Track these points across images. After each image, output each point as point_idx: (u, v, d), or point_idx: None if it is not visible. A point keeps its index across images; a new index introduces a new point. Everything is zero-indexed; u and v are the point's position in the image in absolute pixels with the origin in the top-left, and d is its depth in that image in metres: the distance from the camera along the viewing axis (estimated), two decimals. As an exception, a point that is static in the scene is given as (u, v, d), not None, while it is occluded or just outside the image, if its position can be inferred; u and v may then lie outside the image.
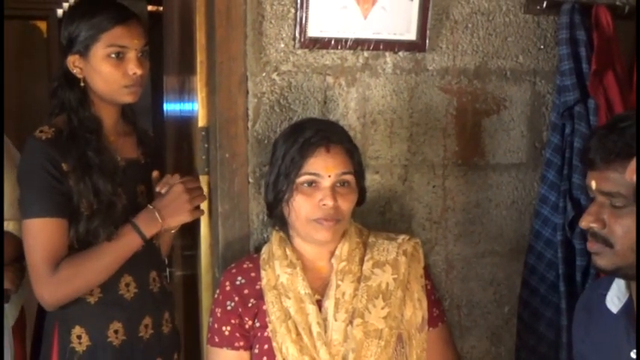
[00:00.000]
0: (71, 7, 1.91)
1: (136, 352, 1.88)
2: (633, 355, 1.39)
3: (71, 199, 1.78)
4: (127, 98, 1.87)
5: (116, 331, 1.85)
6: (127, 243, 1.80)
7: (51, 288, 1.76)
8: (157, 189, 1.88)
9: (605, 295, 1.50)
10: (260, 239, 1.87)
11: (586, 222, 1.41)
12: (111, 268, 1.80)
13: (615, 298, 1.48)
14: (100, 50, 1.81)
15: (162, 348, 1.96)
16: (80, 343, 1.82)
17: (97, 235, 1.80)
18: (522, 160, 2.11)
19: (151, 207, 1.83)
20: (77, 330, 1.82)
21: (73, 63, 1.84)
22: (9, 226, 2.13)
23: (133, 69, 1.82)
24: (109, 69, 1.81)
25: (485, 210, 2.09)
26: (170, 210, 1.82)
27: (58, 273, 1.75)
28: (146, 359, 1.91)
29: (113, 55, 1.81)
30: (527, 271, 2.09)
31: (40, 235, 1.76)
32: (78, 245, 1.80)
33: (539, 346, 2.07)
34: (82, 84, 1.86)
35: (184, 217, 1.85)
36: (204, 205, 1.92)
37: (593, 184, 1.40)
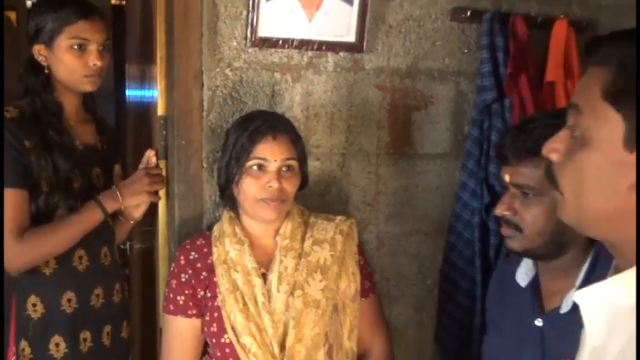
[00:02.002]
0: (38, 1, 1.90)
1: (87, 319, 1.87)
2: (537, 323, 1.43)
3: (32, 174, 1.76)
4: (87, 87, 1.86)
5: (69, 300, 1.84)
6: (90, 216, 1.80)
7: (17, 252, 1.74)
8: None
9: (515, 271, 1.53)
10: (212, 218, 1.87)
11: (500, 210, 1.44)
12: (73, 238, 1.80)
13: (524, 274, 1.51)
14: (63, 41, 1.81)
15: (112, 316, 1.95)
16: (35, 311, 1.81)
17: (55, 209, 1.80)
18: (446, 151, 2.14)
19: (113, 187, 1.84)
20: (32, 299, 1.81)
21: (39, 52, 1.83)
22: None
23: (94, 60, 1.82)
24: (71, 59, 1.81)
25: (412, 194, 2.11)
26: (130, 190, 1.83)
27: (24, 240, 1.73)
28: (97, 326, 1.90)
29: (75, 47, 1.81)
30: (448, 248, 2.12)
31: (6, 203, 1.74)
32: (37, 219, 1.78)
33: (457, 313, 2.10)
34: (46, 71, 1.84)
35: (142, 198, 1.86)
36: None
37: (507, 177, 1.43)
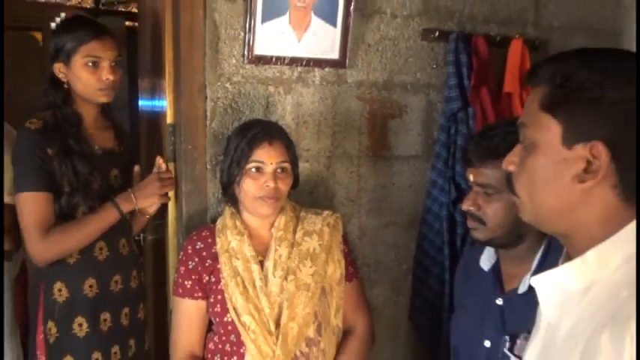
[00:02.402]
0: (58, 23, 1.89)
1: (107, 302, 1.86)
2: (498, 302, 1.45)
3: (55, 178, 1.75)
4: (102, 99, 1.85)
5: (91, 286, 1.83)
6: (107, 216, 1.79)
7: (41, 248, 1.74)
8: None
9: (479, 258, 1.54)
10: (215, 213, 1.86)
11: (466, 206, 1.45)
12: (92, 235, 1.79)
13: (487, 260, 1.52)
14: (79, 60, 1.79)
15: (129, 299, 1.93)
16: (60, 295, 1.81)
17: (76, 208, 1.79)
18: (418, 153, 2.14)
19: (129, 190, 1.83)
20: (58, 285, 1.80)
21: (59, 69, 1.82)
22: (8, 198, 2.09)
23: (106, 75, 1.80)
24: (86, 75, 1.80)
25: (389, 191, 2.12)
26: (143, 193, 1.83)
27: (48, 237, 1.73)
28: (116, 308, 1.89)
29: (90, 64, 1.79)
30: (420, 238, 2.13)
31: (31, 205, 1.74)
32: (61, 217, 1.78)
33: (429, 295, 2.12)
34: (65, 86, 1.83)
35: (154, 200, 1.85)
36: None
37: (471, 178, 1.44)
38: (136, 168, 1.92)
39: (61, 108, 1.83)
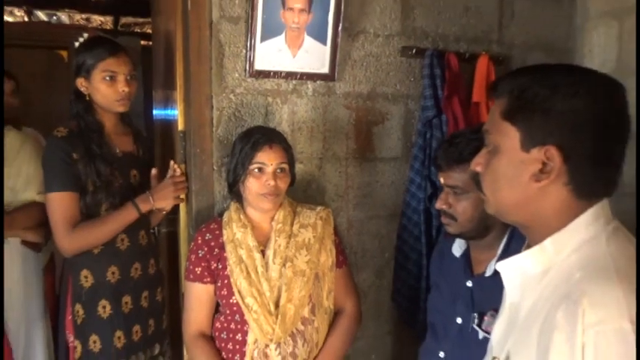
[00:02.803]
0: (79, 43, 1.89)
1: (128, 287, 1.87)
2: (468, 284, 1.46)
3: (80, 179, 1.76)
4: (120, 108, 1.86)
5: (113, 273, 1.84)
6: (127, 214, 1.80)
7: (68, 241, 1.75)
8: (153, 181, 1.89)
9: (451, 246, 1.56)
10: (221, 208, 1.86)
11: (439, 205, 1.46)
12: (114, 231, 1.80)
13: (458, 247, 1.54)
14: (98, 74, 1.80)
15: (148, 284, 1.94)
16: (87, 282, 1.82)
17: (100, 205, 1.80)
18: (398, 155, 2.16)
19: (147, 192, 1.83)
20: (84, 272, 1.81)
21: (80, 83, 1.82)
22: (38, 197, 2.11)
23: (122, 87, 1.81)
24: (104, 88, 1.80)
25: (373, 188, 2.13)
26: (159, 195, 1.83)
27: (75, 232, 1.74)
28: (136, 292, 1.90)
29: (107, 78, 1.80)
30: (401, 229, 2.13)
31: (59, 203, 1.74)
32: (87, 213, 1.78)
33: (408, 278, 2.12)
34: (87, 98, 1.83)
35: (169, 202, 1.86)
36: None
37: (442, 180, 1.46)
38: (153, 171, 1.92)
39: (84, 117, 1.83)
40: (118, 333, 1.85)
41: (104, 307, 1.84)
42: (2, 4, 1.99)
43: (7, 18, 4.72)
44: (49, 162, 1.79)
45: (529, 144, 0.86)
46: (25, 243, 2.19)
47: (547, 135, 0.85)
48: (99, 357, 1.83)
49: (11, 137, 2.21)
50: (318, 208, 1.74)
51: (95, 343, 1.83)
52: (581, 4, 2.41)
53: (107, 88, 1.81)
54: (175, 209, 1.97)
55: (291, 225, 1.67)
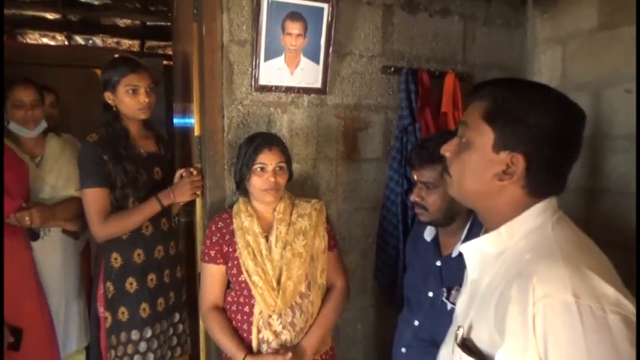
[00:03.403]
0: (106, 63, 1.88)
1: (152, 266, 1.87)
2: (437, 263, 1.46)
3: (110, 177, 1.76)
4: (142, 116, 1.85)
5: (139, 255, 1.84)
6: (151, 207, 1.79)
7: (101, 229, 1.75)
8: (177, 176, 1.88)
9: (423, 231, 1.56)
10: (231, 201, 1.86)
11: (413, 197, 1.46)
12: (140, 222, 1.80)
13: (429, 233, 1.54)
14: (122, 88, 1.79)
15: (169, 264, 1.93)
16: (116, 262, 1.82)
17: (127, 198, 1.79)
18: (379, 156, 2.15)
19: (169, 188, 1.83)
20: (114, 255, 1.81)
21: (108, 97, 1.82)
22: (76, 193, 2.07)
23: (143, 99, 1.81)
24: (128, 99, 1.80)
25: (359, 184, 2.13)
26: (179, 192, 1.82)
27: (107, 221, 1.73)
28: (159, 270, 1.89)
29: (130, 91, 1.79)
30: (381, 218, 2.13)
31: (92, 197, 1.74)
32: (117, 206, 1.78)
33: (388, 259, 2.11)
34: (114, 108, 1.83)
35: (187, 197, 1.85)
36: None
37: (415, 177, 1.46)
38: (178, 173, 1.90)
39: (112, 125, 1.83)
40: (144, 305, 1.85)
41: (131, 284, 1.83)
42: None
43: (50, 42, 4.68)
44: (83, 163, 1.79)
45: (500, 147, 0.85)
46: (64, 232, 2.17)
47: (517, 142, 0.84)
48: (126, 325, 1.82)
49: (54, 143, 2.20)
50: (313, 201, 1.73)
51: (123, 313, 1.82)
52: (531, 31, 2.41)
53: (130, 99, 1.80)
54: (192, 202, 1.97)
55: (290, 215, 1.67)
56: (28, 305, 2.01)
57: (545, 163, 0.84)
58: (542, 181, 0.85)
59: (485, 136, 0.87)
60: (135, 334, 1.84)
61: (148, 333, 1.86)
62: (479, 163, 0.88)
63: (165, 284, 1.92)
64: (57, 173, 2.15)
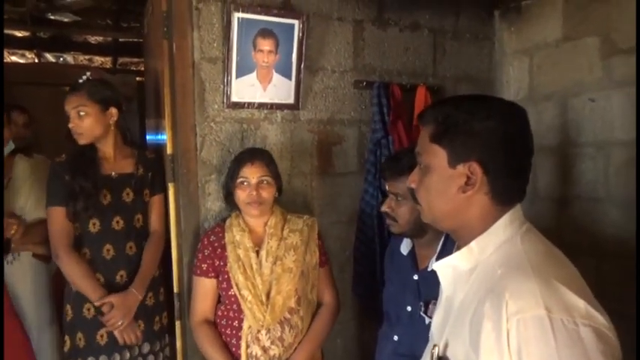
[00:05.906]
0: (76, 82, 1.84)
1: (113, 288, 1.78)
2: (414, 277, 1.46)
3: (72, 197, 1.73)
4: (81, 140, 1.78)
5: (98, 278, 1.77)
6: (92, 292, 1.75)
7: (57, 252, 1.76)
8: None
9: (400, 245, 1.56)
10: (204, 217, 1.83)
11: (384, 208, 1.48)
12: (81, 288, 1.75)
13: (405, 247, 1.54)
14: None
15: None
16: (75, 286, 1.77)
17: (88, 220, 1.76)
18: (354, 170, 2.15)
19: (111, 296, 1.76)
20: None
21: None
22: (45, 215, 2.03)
23: (71, 124, 1.77)
24: (70, 125, 1.78)
25: (334, 198, 2.12)
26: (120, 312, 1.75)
27: (67, 253, 1.75)
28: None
29: (69, 117, 1.77)
30: (358, 231, 2.11)
31: (54, 215, 1.76)
32: (79, 226, 1.76)
33: (365, 273, 2.10)
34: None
35: (120, 323, 1.76)
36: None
37: (387, 188, 1.47)
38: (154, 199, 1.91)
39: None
40: (101, 331, 1.78)
41: (89, 309, 1.78)
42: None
43: (19, 60, 4.57)
44: (49, 182, 1.78)
45: (455, 161, 0.86)
46: (35, 256, 2.09)
47: (469, 152, 0.85)
48: (83, 351, 1.76)
49: (22, 164, 2.13)
50: (305, 217, 1.74)
51: (80, 339, 1.77)
52: (499, 44, 2.46)
53: (71, 125, 1.78)
54: (166, 220, 1.92)
55: (282, 230, 1.66)
56: (6, 325, 1.92)
57: (501, 165, 0.85)
58: (505, 185, 0.86)
59: (438, 156, 0.88)
60: None
61: None
62: (440, 182, 0.88)
63: (146, 306, 1.85)
64: (26, 195, 2.08)
